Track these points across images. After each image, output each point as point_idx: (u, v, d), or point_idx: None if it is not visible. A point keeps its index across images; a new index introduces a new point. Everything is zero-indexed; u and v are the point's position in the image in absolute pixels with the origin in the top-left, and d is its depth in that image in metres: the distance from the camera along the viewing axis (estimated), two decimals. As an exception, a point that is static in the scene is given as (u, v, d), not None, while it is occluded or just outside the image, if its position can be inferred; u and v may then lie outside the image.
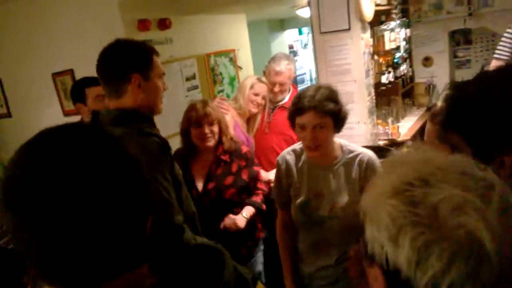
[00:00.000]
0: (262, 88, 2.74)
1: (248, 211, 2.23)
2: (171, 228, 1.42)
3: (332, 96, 1.60)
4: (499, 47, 3.10)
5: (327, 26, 3.31)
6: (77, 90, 2.35)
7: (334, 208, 1.68)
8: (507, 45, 3.04)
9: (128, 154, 0.60)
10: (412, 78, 4.66)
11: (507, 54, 3.05)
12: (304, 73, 6.99)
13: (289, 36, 6.84)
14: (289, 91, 2.89)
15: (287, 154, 1.84)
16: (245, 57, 4.52)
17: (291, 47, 6.89)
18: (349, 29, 3.21)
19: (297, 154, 1.81)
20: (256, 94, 2.73)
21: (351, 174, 1.68)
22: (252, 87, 2.72)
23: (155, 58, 1.53)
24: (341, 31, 3.25)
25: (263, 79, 2.81)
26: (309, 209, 1.73)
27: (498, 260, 0.48)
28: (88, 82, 2.31)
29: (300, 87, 6.97)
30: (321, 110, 1.56)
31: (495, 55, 3.13)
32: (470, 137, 0.77)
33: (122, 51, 1.47)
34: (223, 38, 4.16)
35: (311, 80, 6.93)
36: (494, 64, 3.16)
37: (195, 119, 2.17)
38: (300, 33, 6.98)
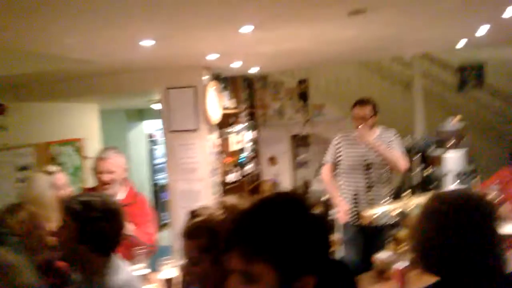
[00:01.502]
0: (60, 177, 2.39)
1: None
2: None
3: (85, 203, 1.51)
4: (326, 153, 3.55)
5: (176, 125, 3.42)
6: None
7: None
8: (330, 152, 3.51)
9: None
10: (259, 175, 5.01)
11: (331, 159, 3.49)
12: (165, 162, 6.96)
13: (150, 125, 6.85)
14: (125, 186, 2.49)
15: None
16: (94, 147, 4.33)
17: (151, 136, 6.88)
18: (196, 129, 3.37)
19: None
20: (61, 188, 2.34)
21: None
22: (54, 186, 2.31)
23: None
24: (189, 131, 3.38)
25: (50, 169, 2.41)
26: None
27: None
28: None
29: (161, 175, 6.85)
30: (64, 209, 1.51)
31: (323, 161, 3.56)
32: (278, 262, 0.78)
33: None
34: (69, 126, 3.95)
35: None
36: (324, 167, 3.58)
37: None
38: (161, 122, 7.09)
